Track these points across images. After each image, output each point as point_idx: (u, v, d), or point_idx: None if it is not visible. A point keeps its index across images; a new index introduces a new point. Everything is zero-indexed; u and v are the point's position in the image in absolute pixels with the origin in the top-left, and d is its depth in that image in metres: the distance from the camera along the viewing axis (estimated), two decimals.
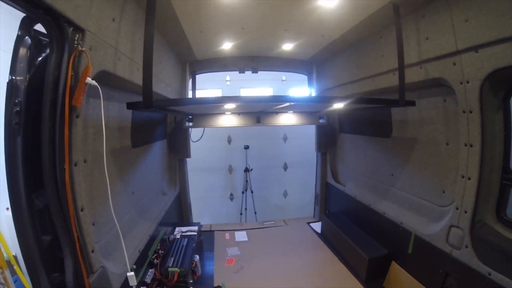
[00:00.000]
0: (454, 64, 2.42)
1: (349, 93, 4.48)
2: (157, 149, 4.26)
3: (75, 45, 1.71)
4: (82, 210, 1.87)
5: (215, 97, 2.57)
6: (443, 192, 2.87)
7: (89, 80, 1.74)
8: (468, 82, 2.32)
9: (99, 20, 1.92)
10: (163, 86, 3.77)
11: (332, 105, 3.47)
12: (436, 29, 2.57)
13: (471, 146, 2.38)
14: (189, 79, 5.12)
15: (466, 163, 2.44)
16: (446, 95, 2.74)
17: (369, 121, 4.34)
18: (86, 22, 1.76)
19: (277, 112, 4.83)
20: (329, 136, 5.70)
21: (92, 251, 1.96)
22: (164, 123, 4.64)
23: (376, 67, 3.57)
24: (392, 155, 3.73)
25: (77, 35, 1.73)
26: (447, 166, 2.81)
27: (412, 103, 2.93)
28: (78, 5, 1.68)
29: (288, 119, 5.02)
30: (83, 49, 1.74)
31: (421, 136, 3.15)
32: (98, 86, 1.83)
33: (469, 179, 2.41)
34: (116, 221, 2.04)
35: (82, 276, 1.84)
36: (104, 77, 2.10)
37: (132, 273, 2.13)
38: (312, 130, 5.99)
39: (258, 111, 4.77)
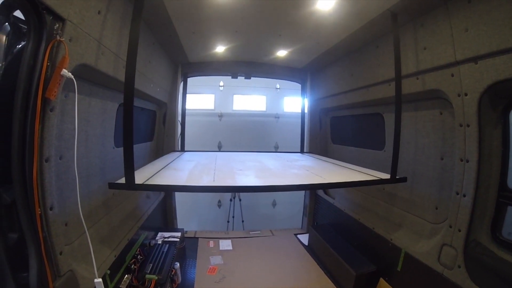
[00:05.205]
0: (452, 75, 2.35)
1: (342, 103, 4.45)
2: (143, 151, 4.14)
3: (54, 35, 1.64)
4: (51, 209, 1.76)
5: (206, 186, 2.44)
6: (436, 208, 2.79)
7: (64, 72, 1.65)
8: (466, 95, 2.24)
9: (83, 11, 1.85)
10: (151, 86, 3.68)
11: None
12: (435, 38, 2.51)
13: (467, 161, 2.30)
14: (181, 81, 5.05)
15: (462, 179, 2.35)
16: (443, 108, 2.68)
17: (362, 133, 4.29)
18: (67, 11, 1.69)
19: None
20: (320, 147, 5.65)
21: (61, 253, 1.84)
22: (152, 124, 4.53)
23: (372, 77, 3.52)
24: (384, 169, 3.66)
25: (57, 24, 1.66)
26: (441, 181, 2.73)
27: (404, 180, 2.82)
28: None
29: None
30: (62, 39, 1.66)
31: (415, 150, 3.08)
32: (74, 79, 1.74)
33: (464, 196, 2.33)
34: (83, 221, 1.91)
35: (47, 279, 1.72)
36: (85, 71, 2.02)
37: (100, 279, 1.97)
38: None
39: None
